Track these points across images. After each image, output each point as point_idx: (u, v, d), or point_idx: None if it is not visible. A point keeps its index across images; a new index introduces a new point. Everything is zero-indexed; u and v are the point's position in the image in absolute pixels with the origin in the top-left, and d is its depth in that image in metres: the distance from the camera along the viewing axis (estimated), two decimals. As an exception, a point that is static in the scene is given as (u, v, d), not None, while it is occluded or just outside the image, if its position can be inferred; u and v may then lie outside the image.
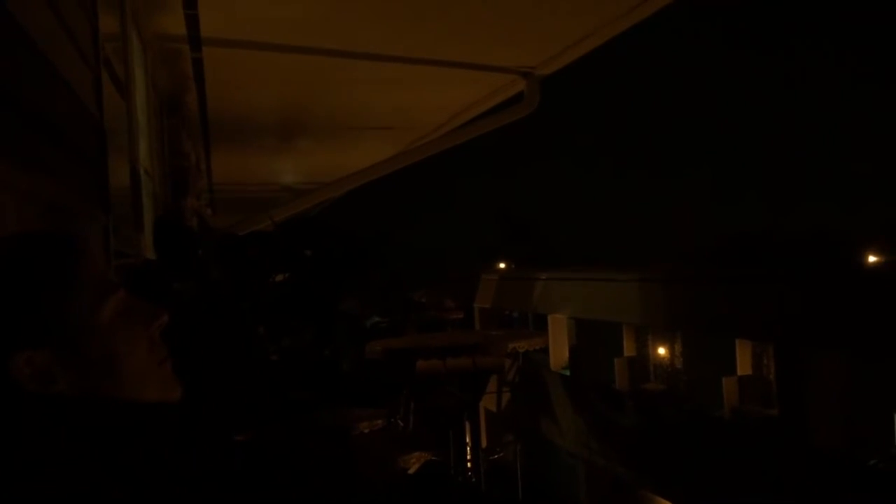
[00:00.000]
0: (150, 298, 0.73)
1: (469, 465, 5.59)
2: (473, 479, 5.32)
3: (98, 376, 0.69)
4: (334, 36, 2.85)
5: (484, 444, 7.38)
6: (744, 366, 9.11)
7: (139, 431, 0.69)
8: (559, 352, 8.79)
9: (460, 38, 2.96)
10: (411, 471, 4.04)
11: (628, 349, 9.74)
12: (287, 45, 2.86)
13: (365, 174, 4.06)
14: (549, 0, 2.48)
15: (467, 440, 5.81)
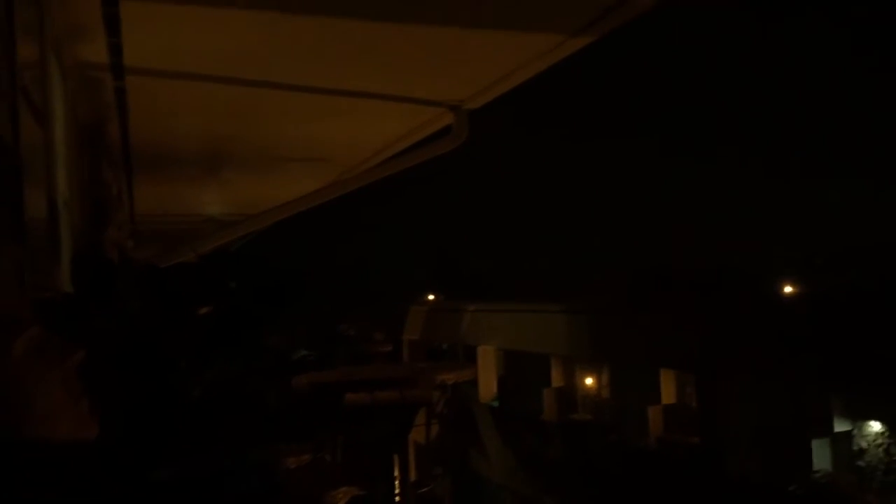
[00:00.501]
0: (67, 334, 0.71)
1: (398, 498, 5.54)
2: (402, 513, 5.28)
3: (7, 414, 0.66)
4: (261, 67, 2.83)
5: (413, 477, 7.32)
6: (668, 395, 9.28)
7: (47, 470, 0.66)
8: (488, 383, 8.82)
9: (389, 70, 2.97)
10: (339, 506, 3.98)
11: (556, 380, 9.80)
12: (213, 75, 2.83)
13: (292, 206, 4.02)
14: (476, 35, 2.51)
15: (396, 474, 5.76)
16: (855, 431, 11.19)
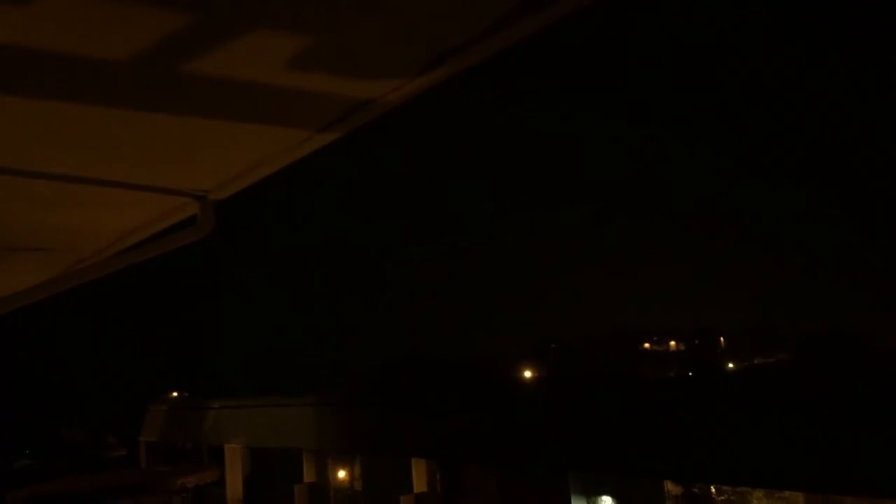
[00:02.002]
0: None
1: None
2: None
3: None
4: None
5: None
6: (420, 484, 9.40)
7: None
8: (235, 484, 8.42)
9: (131, 157, 2.84)
10: None
11: (308, 475, 9.58)
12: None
13: (14, 299, 3.66)
14: (222, 126, 2.49)
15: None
16: (589, 507, 11.97)
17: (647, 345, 79.26)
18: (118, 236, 4.08)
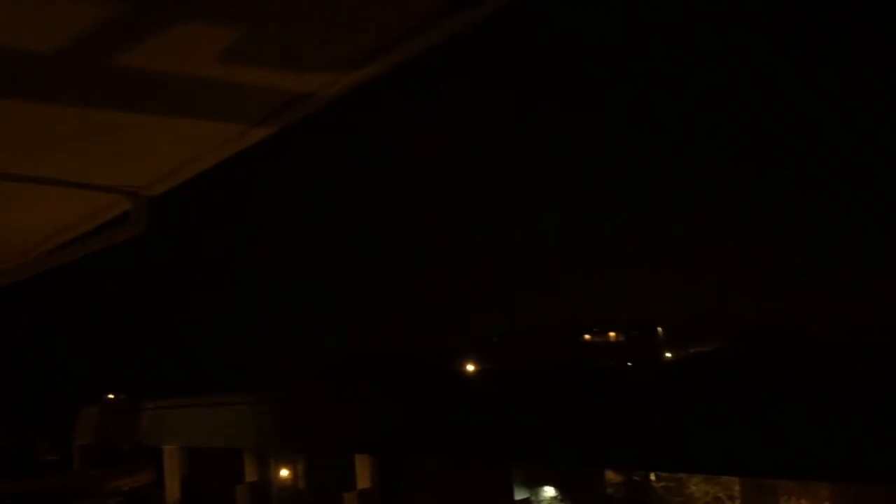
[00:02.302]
0: None
1: None
2: None
3: None
4: None
5: None
6: (363, 479, 9.36)
7: None
8: (173, 485, 8.29)
9: (58, 153, 2.77)
10: None
11: (250, 474, 9.49)
12: None
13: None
14: (155, 121, 2.44)
15: None
16: (532, 497, 12.11)
17: (587, 336, 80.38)
18: (48, 234, 3.97)
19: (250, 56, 2.06)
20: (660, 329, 79.33)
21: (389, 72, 2.13)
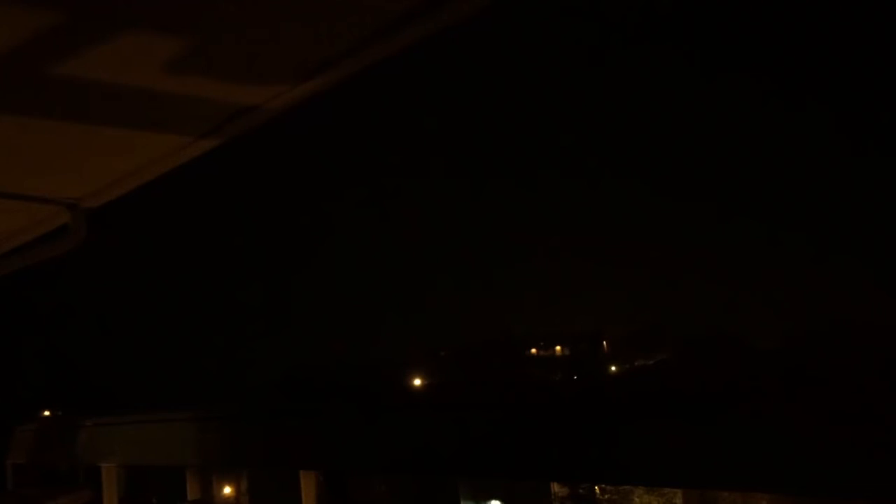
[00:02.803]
0: None
1: None
2: None
3: None
4: None
5: None
6: (308, 496, 9.26)
7: None
8: (112, 505, 8.10)
9: (-6, 163, 2.70)
10: None
11: (192, 492, 9.34)
12: None
13: None
14: (96, 131, 2.39)
15: None
16: (478, 512, 12.09)
17: (533, 350, 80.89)
18: (-18, 247, 3.85)
19: (196, 68, 2.03)
20: (605, 343, 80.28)
21: (335, 86, 2.13)
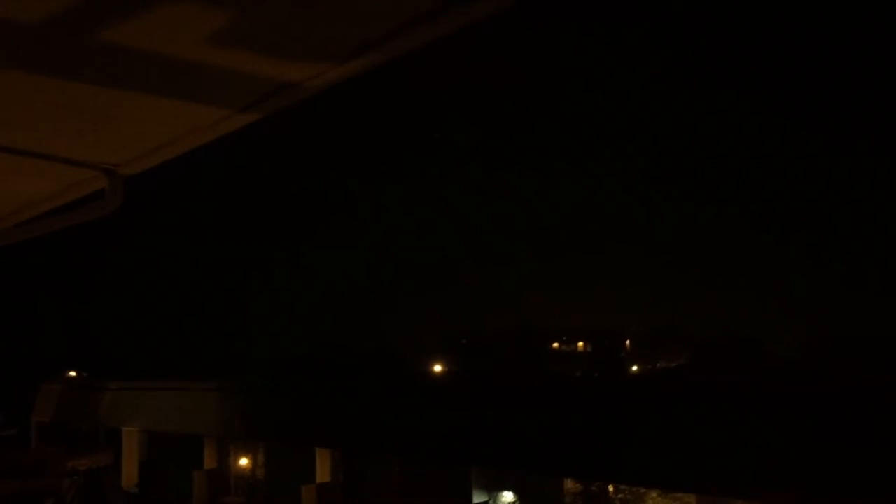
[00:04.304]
0: None
1: None
2: None
3: None
4: None
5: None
6: (323, 473, 9.31)
7: None
8: (130, 468, 8.21)
9: (34, 125, 2.73)
10: None
11: (209, 461, 9.41)
12: None
13: None
14: (137, 98, 2.41)
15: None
16: (491, 502, 12.11)
17: (556, 344, 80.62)
18: (19, 206, 3.90)
19: (239, 42, 2.04)
20: (628, 342, 79.80)
21: (374, 67, 2.13)
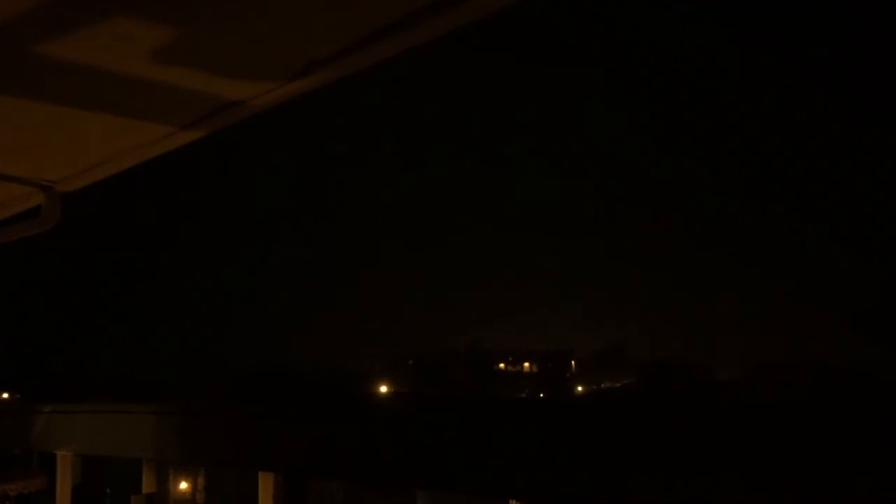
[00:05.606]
0: None
1: None
2: None
3: None
4: None
5: None
6: (265, 497, 9.18)
7: None
8: (64, 493, 7.98)
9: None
10: None
11: (148, 486, 9.21)
12: None
13: None
14: (77, 115, 2.36)
15: None
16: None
17: (502, 365, 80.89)
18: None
19: (183, 59, 2.01)
20: (573, 362, 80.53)
21: (320, 87, 2.12)
